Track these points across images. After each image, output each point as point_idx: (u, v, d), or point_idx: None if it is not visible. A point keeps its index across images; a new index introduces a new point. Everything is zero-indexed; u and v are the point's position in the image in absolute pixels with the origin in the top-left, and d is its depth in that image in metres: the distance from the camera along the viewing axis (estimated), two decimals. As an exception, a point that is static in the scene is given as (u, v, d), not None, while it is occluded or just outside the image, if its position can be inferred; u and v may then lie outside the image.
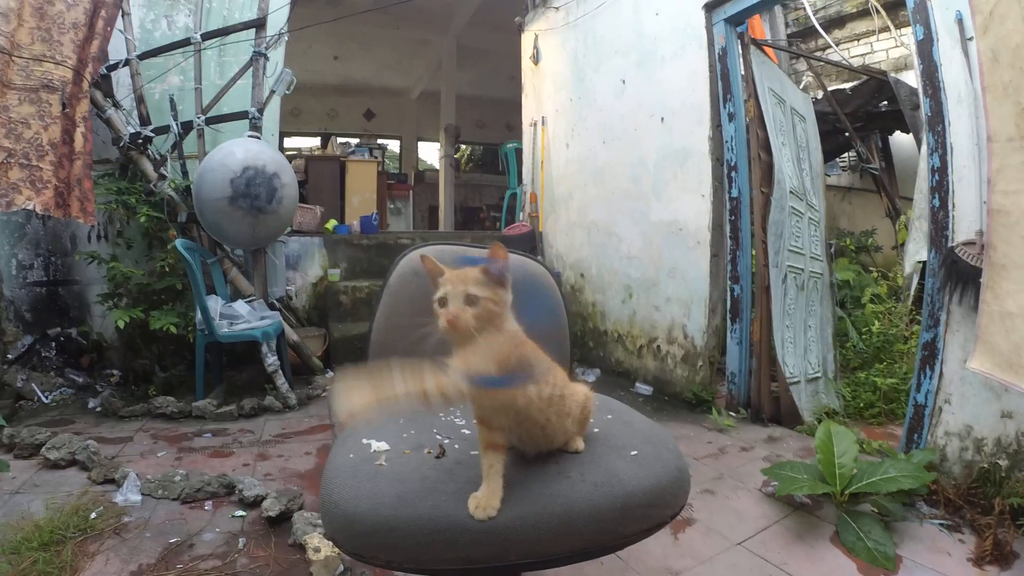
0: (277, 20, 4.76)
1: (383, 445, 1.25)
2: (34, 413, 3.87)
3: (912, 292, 4.68)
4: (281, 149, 7.00)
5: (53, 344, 4.60)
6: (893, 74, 5.42)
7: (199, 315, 3.83)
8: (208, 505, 2.58)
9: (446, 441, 1.28)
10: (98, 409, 3.92)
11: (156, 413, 3.78)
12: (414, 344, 1.10)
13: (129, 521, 2.40)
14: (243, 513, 2.50)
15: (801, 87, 6.09)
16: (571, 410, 1.22)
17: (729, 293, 3.98)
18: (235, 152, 4.11)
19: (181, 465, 3.01)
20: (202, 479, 2.69)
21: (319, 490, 1.21)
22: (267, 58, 4.60)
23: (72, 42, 3.98)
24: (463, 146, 14.39)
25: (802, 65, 6.81)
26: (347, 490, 1.12)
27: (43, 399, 4.08)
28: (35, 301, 4.69)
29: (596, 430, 1.36)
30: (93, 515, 2.40)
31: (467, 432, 1.35)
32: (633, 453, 1.26)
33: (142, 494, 2.62)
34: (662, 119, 4.41)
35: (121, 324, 3.93)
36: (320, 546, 2.12)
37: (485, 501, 1.08)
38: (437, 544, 1.04)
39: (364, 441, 1.28)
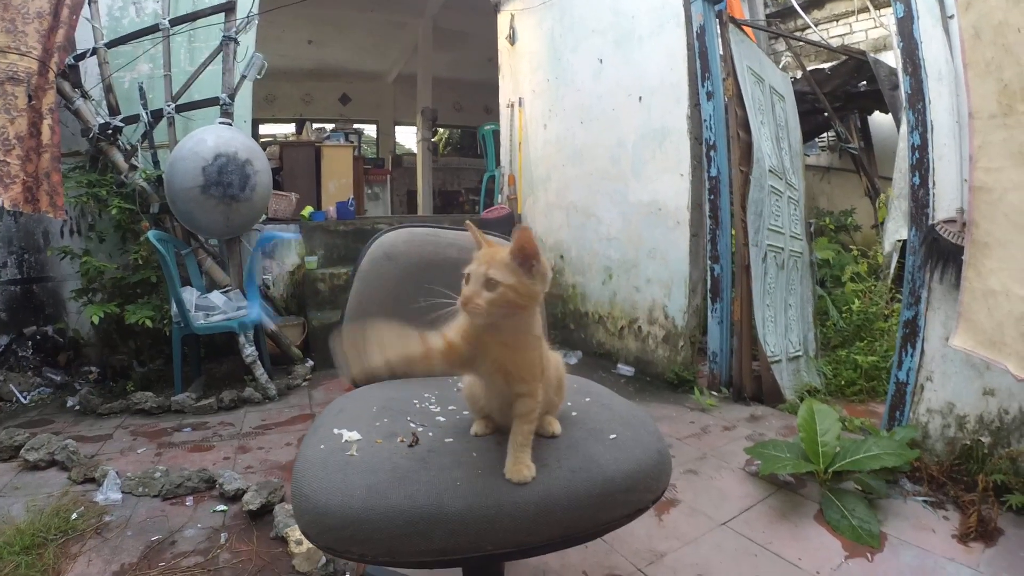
0: (247, 3, 4.67)
1: (354, 435, 1.22)
2: (12, 414, 3.80)
3: (892, 271, 4.72)
4: (256, 136, 6.93)
5: (30, 343, 4.52)
6: (872, 54, 5.43)
7: (174, 307, 3.77)
8: (189, 501, 2.54)
9: (420, 429, 1.25)
10: (77, 407, 3.85)
11: (135, 409, 3.73)
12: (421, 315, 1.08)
13: (110, 520, 2.37)
14: (224, 507, 2.47)
15: (780, 67, 6.08)
16: (550, 378, 1.21)
17: (709, 273, 3.97)
18: (206, 140, 4.03)
19: (161, 461, 2.97)
20: (182, 474, 2.65)
21: (293, 483, 1.18)
22: (237, 43, 4.50)
23: (37, 32, 3.88)
24: (441, 129, 14.32)
25: (781, 45, 6.81)
26: (317, 483, 1.09)
27: (21, 399, 4.02)
28: (10, 300, 4.61)
29: (574, 414, 1.34)
30: (74, 516, 2.36)
31: (441, 419, 1.32)
32: (612, 437, 1.24)
33: (123, 492, 2.58)
34: (640, 99, 4.39)
35: (96, 319, 3.86)
36: (302, 538, 2.10)
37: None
38: (411, 536, 1.02)
39: (335, 431, 1.24)
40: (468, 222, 1.13)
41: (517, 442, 1.11)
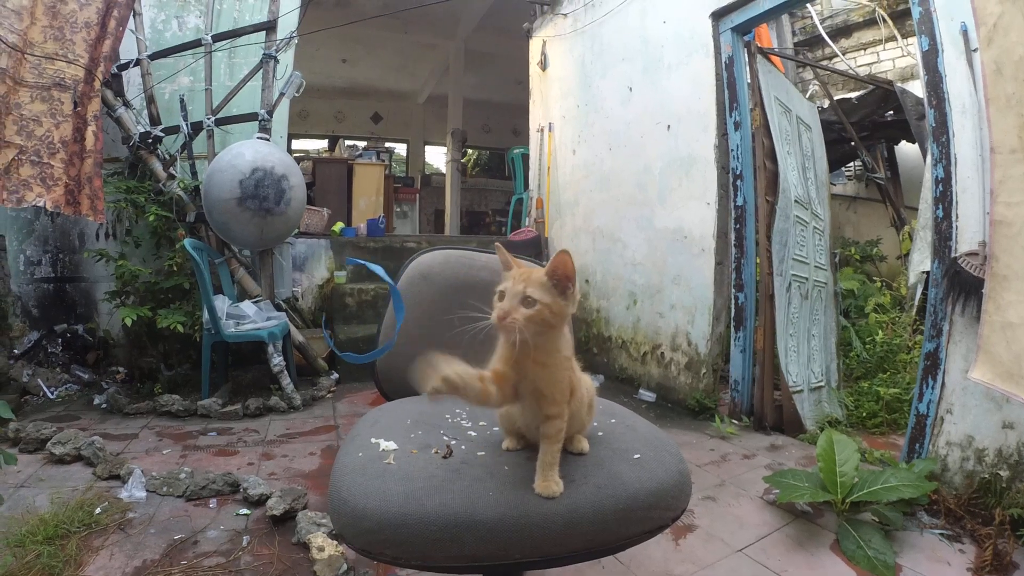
0: (287, 23, 4.80)
1: (391, 445, 1.27)
2: (39, 408, 3.90)
3: (916, 302, 4.68)
4: (289, 151, 7.03)
5: (59, 340, 4.63)
6: (899, 84, 5.43)
7: (206, 314, 3.86)
8: (213, 503, 2.60)
9: (453, 442, 1.30)
10: (104, 406, 3.94)
11: (161, 411, 3.81)
12: (456, 334, 1.11)
13: (134, 517, 2.42)
14: (247, 511, 2.52)
15: (807, 96, 6.11)
16: (581, 398, 1.24)
17: (733, 301, 3.99)
18: (244, 153, 4.14)
19: (186, 463, 3.03)
20: (207, 477, 2.71)
21: (327, 488, 1.22)
22: (277, 61, 4.63)
23: (84, 41, 4.02)
24: (470, 150, 14.44)
25: (808, 74, 6.82)
26: (356, 487, 1.14)
27: (49, 395, 4.11)
28: (42, 297, 4.73)
29: (600, 434, 1.38)
30: (98, 510, 2.41)
31: (473, 434, 1.37)
32: (636, 456, 1.27)
33: (147, 491, 2.64)
34: (668, 127, 4.43)
35: (128, 322, 3.95)
36: (324, 545, 2.14)
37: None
38: (443, 541, 1.06)
39: (372, 440, 1.29)
40: (497, 244, 1.19)
41: (545, 461, 1.15)
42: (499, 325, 1.08)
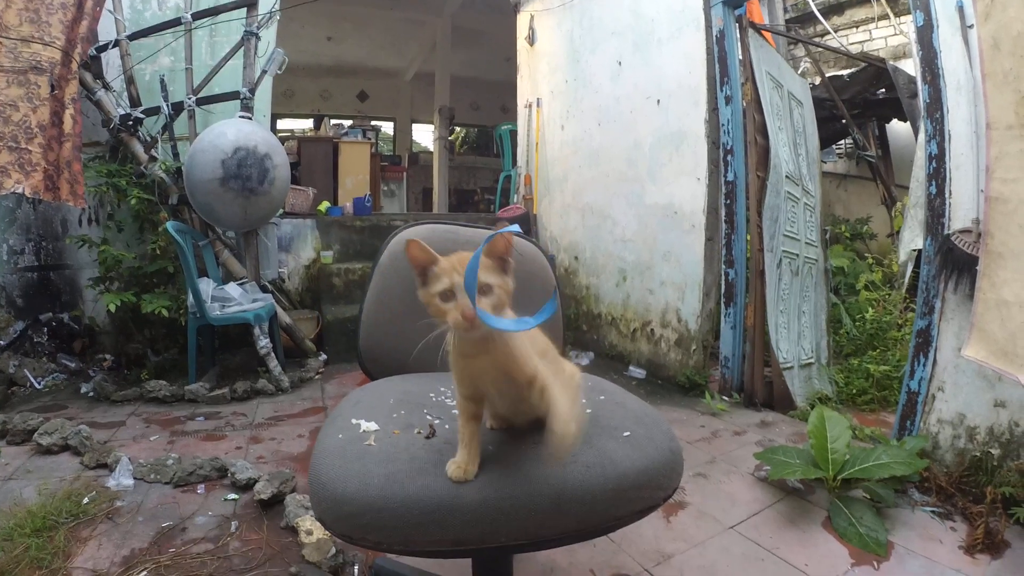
0: (269, -1, 4.71)
1: (372, 425, 1.23)
2: (26, 399, 3.85)
3: (907, 280, 4.69)
4: (274, 131, 6.95)
5: (45, 329, 4.57)
6: (891, 62, 5.40)
7: (191, 298, 3.81)
8: (201, 489, 2.57)
9: (436, 422, 1.27)
10: (91, 394, 3.89)
11: (149, 397, 3.77)
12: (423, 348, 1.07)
13: (122, 506, 2.39)
14: (235, 496, 2.50)
15: (799, 73, 6.07)
16: (545, 350, 1.19)
17: (723, 277, 3.96)
18: (226, 133, 4.07)
19: (174, 449, 3.00)
20: (195, 463, 2.68)
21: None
22: (259, 38, 4.54)
23: (61, 23, 3.93)
24: (457, 128, 14.35)
25: (800, 51, 6.79)
26: (335, 470, 1.10)
27: (36, 385, 4.06)
28: (26, 286, 4.66)
29: (589, 411, 1.34)
30: (86, 500, 2.38)
31: (457, 413, 1.34)
32: (626, 434, 1.24)
33: (135, 478, 2.61)
34: (658, 101, 4.39)
35: (112, 308, 3.89)
36: (312, 529, 2.11)
37: (465, 464, 1.07)
38: (427, 524, 1.03)
39: (353, 421, 1.26)
40: (410, 239, 1.07)
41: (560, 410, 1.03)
42: (470, 326, 0.98)
